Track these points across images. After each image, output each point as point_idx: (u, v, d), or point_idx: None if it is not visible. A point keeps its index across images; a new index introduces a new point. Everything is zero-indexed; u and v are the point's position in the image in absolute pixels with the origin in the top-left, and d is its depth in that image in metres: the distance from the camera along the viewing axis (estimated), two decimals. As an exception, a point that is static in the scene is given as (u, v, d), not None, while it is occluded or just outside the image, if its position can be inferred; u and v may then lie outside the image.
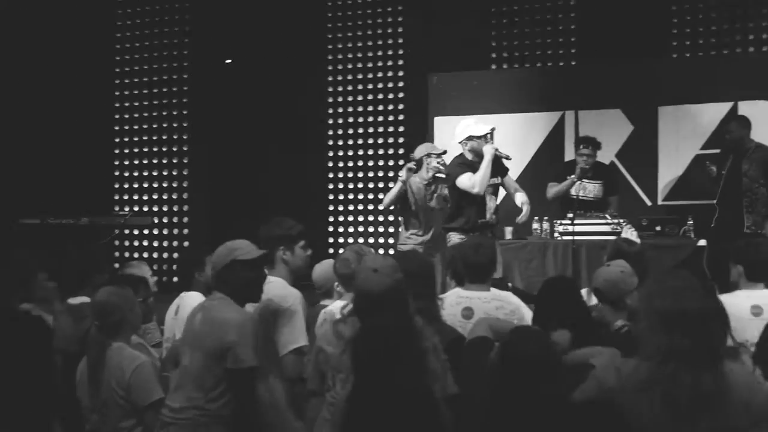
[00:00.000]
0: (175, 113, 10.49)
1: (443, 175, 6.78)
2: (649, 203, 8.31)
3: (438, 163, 6.78)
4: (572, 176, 7.24)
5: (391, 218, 9.73)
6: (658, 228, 7.34)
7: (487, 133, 6.57)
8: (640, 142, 8.36)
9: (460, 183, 6.47)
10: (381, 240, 10.05)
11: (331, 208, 10.27)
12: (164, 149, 10.53)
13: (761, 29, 8.72)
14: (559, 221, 7.22)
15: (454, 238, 6.49)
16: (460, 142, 6.68)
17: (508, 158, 6.74)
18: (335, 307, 3.89)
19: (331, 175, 10.26)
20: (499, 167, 6.71)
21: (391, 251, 9.06)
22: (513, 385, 2.60)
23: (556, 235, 7.24)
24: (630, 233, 7.04)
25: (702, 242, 7.12)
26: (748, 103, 7.95)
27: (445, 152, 6.89)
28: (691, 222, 7.31)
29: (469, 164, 6.54)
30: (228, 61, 10.09)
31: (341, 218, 10.25)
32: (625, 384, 2.55)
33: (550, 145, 8.67)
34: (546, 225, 7.50)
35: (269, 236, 4.10)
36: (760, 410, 2.52)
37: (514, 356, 2.64)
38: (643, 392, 2.51)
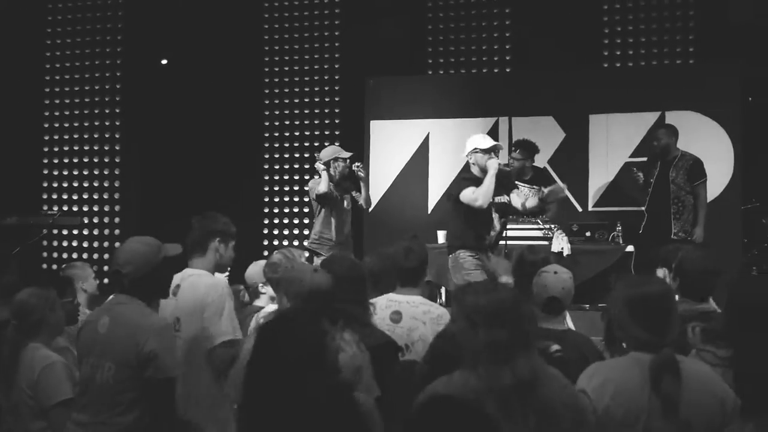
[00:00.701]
0: (107, 111, 10.26)
1: (362, 174, 7.18)
2: (579, 209, 8.46)
3: (344, 167, 7.05)
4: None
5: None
6: (588, 234, 7.51)
7: (492, 148, 6.25)
8: (572, 149, 8.53)
9: (463, 197, 6.15)
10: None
11: (266, 210, 10.22)
12: (95, 147, 10.29)
13: (688, 42, 8.99)
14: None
15: (463, 254, 6.20)
16: (466, 155, 6.35)
17: (508, 170, 6.75)
18: (270, 310, 3.89)
19: (266, 177, 10.20)
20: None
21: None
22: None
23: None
24: (561, 238, 7.18)
25: (630, 248, 7.30)
26: (675, 112, 8.19)
27: (351, 155, 7.12)
28: (620, 228, 7.47)
29: (474, 179, 6.22)
30: (164, 61, 9.95)
31: (276, 220, 10.20)
32: (452, 392, 2.48)
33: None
34: (479, 229, 7.57)
35: (208, 228, 4.04)
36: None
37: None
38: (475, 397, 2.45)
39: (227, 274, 4.44)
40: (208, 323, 3.77)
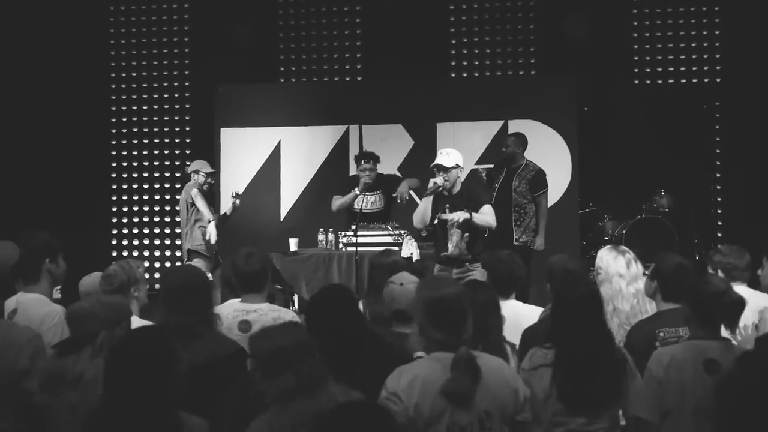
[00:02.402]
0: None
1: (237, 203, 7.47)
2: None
3: (207, 180, 7.38)
4: (355, 189, 7.41)
5: (168, 231, 9.58)
6: (435, 239, 7.67)
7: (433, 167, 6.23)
8: (420, 156, 8.67)
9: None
10: (167, 252, 9.81)
11: (114, 220, 9.91)
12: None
13: (529, 54, 9.41)
14: (343, 233, 7.37)
15: (435, 268, 6.24)
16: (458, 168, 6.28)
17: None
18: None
19: (114, 187, 9.90)
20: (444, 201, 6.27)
21: (178, 263, 8.85)
22: None
23: (340, 246, 7.38)
24: (410, 244, 7.31)
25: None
26: (517, 121, 8.53)
27: (213, 172, 7.36)
28: (468, 234, 7.66)
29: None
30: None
31: (125, 230, 9.91)
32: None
33: (335, 158, 8.85)
34: (331, 236, 7.62)
35: (30, 250, 3.89)
36: None
37: None
38: None
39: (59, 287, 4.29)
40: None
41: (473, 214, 6.00)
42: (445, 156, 6.20)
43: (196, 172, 7.48)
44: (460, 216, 5.98)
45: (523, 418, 2.85)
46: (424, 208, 6.20)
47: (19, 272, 3.85)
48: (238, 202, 7.57)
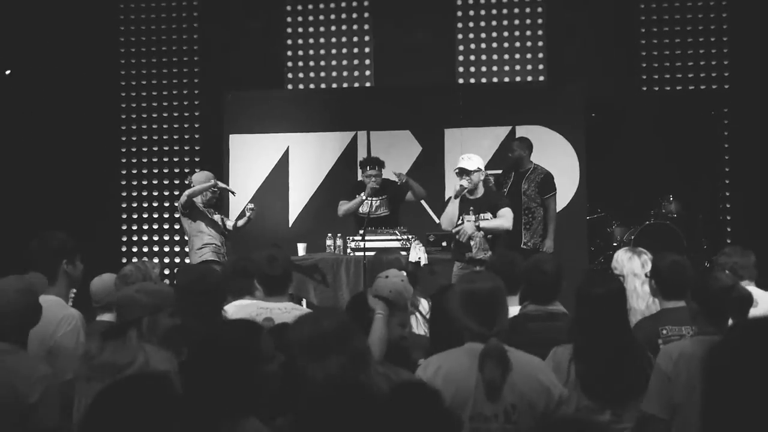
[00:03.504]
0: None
1: (251, 215, 7.41)
2: (436, 220, 8.63)
3: (212, 196, 7.22)
4: (361, 194, 7.44)
5: (177, 238, 9.60)
6: (444, 244, 7.67)
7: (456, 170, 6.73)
8: (428, 162, 8.74)
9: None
10: (176, 260, 9.85)
11: (124, 227, 9.97)
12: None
13: (538, 61, 9.44)
14: (351, 237, 7.39)
15: (455, 267, 6.69)
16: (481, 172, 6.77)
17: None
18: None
19: (124, 193, 9.97)
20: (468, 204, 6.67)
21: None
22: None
23: (348, 251, 7.40)
24: (418, 249, 7.33)
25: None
26: (525, 127, 8.53)
27: (215, 184, 7.17)
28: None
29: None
30: (7, 72, 9.50)
31: (135, 237, 9.97)
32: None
33: (343, 164, 8.86)
34: (339, 241, 7.65)
35: (49, 250, 3.93)
36: None
37: None
38: None
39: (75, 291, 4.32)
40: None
41: (481, 223, 6.50)
42: (467, 160, 6.72)
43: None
44: (467, 230, 6.52)
45: None
46: (451, 210, 6.63)
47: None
48: (253, 215, 7.44)
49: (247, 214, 7.46)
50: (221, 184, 7.31)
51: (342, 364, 2.60)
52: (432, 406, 2.19)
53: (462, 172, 6.61)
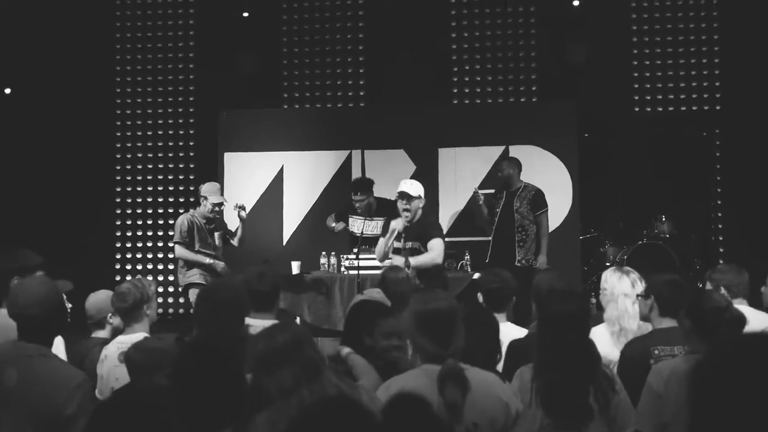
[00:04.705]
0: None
1: (243, 215, 7.27)
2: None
3: (215, 208, 7.09)
4: (348, 218, 7.64)
5: (171, 255, 9.57)
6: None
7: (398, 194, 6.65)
8: (422, 181, 8.68)
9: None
10: (170, 277, 9.85)
11: (118, 244, 9.97)
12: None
13: (530, 81, 9.52)
14: (345, 256, 7.41)
15: None
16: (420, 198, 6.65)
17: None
18: (126, 340, 3.83)
19: (119, 211, 9.98)
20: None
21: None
22: None
23: (342, 269, 7.42)
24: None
25: (477, 275, 7.52)
26: (518, 147, 8.59)
27: (221, 203, 7.13)
28: (468, 257, 7.71)
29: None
30: (7, 90, 9.56)
31: (129, 254, 9.97)
32: None
33: (338, 182, 8.89)
34: (333, 259, 7.66)
35: (3, 268, 3.93)
36: None
37: None
38: None
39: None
40: None
41: (411, 261, 6.28)
42: (410, 185, 6.63)
43: (205, 198, 7.14)
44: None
45: None
46: (383, 247, 6.57)
47: None
48: (243, 213, 7.32)
49: (240, 215, 7.30)
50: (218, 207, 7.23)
51: (294, 374, 2.63)
52: (426, 415, 2.20)
53: (403, 196, 6.53)
